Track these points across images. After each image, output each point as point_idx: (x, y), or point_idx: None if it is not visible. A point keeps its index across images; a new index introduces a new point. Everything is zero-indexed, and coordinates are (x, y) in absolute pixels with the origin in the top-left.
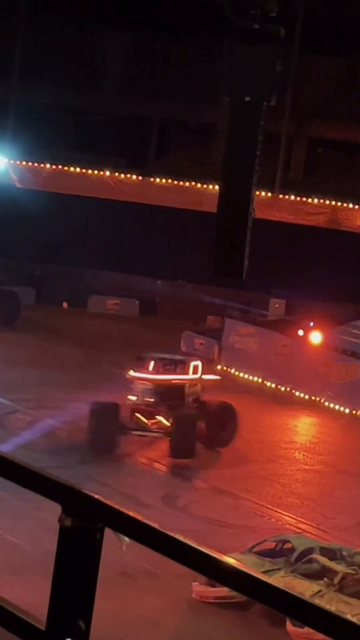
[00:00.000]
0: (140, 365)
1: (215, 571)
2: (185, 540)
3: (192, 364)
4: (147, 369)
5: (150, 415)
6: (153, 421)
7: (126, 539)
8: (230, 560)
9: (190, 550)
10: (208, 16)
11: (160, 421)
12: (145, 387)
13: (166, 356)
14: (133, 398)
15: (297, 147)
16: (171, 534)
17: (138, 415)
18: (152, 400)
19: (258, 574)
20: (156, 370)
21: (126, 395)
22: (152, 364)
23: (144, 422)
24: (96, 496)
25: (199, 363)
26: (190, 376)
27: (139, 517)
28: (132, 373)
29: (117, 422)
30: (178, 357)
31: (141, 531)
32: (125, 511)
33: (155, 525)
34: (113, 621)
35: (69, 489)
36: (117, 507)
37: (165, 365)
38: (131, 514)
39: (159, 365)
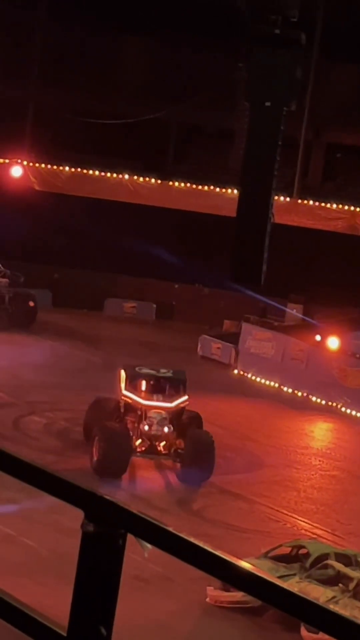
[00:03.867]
0: (131, 383)
1: (234, 576)
2: (208, 548)
3: (180, 384)
4: (139, 389)
5: (167, 444)
6: (164, 444)
7: (148, 545)
8: (247, 565)
9: (213, 557)
10: (228, 21)
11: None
12: (161, 416)
13: (157, 373)
14: (146, 428)
15: (316, 152)
16: (194, 540)
17: (157, 444)
18: (170, 429)
19: (274, 578)
20: (149, 390)
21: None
22: (143, 383)
23: (157, 449)
24: (118, 502)
25: (184, 379)
26: (184, 397)
27: (161, 524)
28: (132, 396)
29: (128, 446)
30: (162, 370)
31: (163, 537)
32: (148, 517)
33: (178, 532)
34: (126, 625)
35: (92, 495)
36: (139, 513)
37: (157, 385)
38: (153, 520)
39: (152, 385)
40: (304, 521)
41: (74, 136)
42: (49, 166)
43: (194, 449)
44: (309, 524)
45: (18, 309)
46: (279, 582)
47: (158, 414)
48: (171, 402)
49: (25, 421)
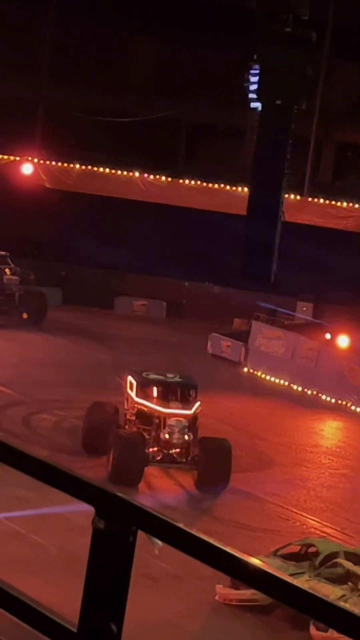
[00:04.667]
0: (142, 390)
1: (245, 573)
2: (219, 544)
3: (193, 389)
4: (151, 395)
5: (183, 451)
6: (178, 451)
7: (159, 542)
8: (257, 562)
9: (223, 554)
10: (240, 20)
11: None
12: (181, 424)
13: (167, 378)
14: (166, 436)
15: (326, 150)
16: (205, 537)
17: (172, 452)
18: (190, 437)
19: (284, 575)
20: (162, 397)
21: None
22: (155, 390)
23: (174, 457)
24: (129, 499)
25: (195, 384)
26: (198, 403)
27: (172, 521)
28: (147, 403)
29: (143, 454)
30: (169, 375)
31: (174, 534)
32: (159, 514)
33: (189, 529)
34: (135, 623)
35: (103, 492)
36: (150, 510)
37: (170, 391)
38: (164, 517)
39: (165, 392)
40: (313, 520)
41: (84, 134)
42: (59, 164)
43: (211, 456)
44: (318, 522)
45: (29, 307)
46: (289, 579)
47: (178, 421)
48: (190, 408)
49: (36, 419)
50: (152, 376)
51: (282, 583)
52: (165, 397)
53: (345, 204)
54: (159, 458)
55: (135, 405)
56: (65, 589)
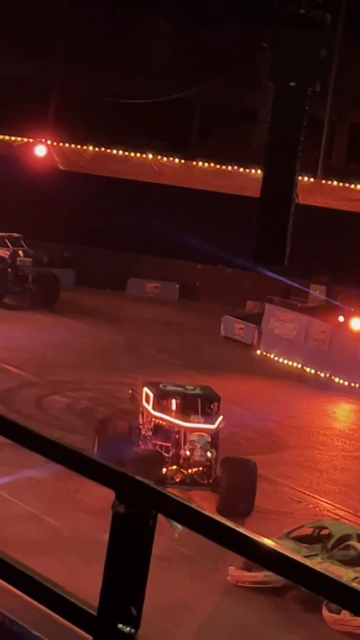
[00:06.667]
0: (160, 403)
1: (260, 555)
2: (236, 527)
3: (215, 402)
4: (170, 409)
5: (205, 470)
6: (199, 470)
7: (179, 526)
8: (272, 543)
9: (240, 537)
10: (254, 1)
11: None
12: (204, 439)
13: (186, 390)
14: (187, 453)
15: (340, 133)
16: (223, 520)
17: (193, 471)
18: (213, 455)
19: (298, 557)
20: (182, 411)
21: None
22: (173, 402)
23: (196, 478)
24: (149, 483)
25: (217, 396)
26: (221, 417)
27: (191, 504)
28: (166, 417)
29: (159, 475)
30: (189, 387)
31: (193, 518)
32: (178, 498)
33: (208, 513)
34: (148, 604)
35: (123, 476)
36: (169, 493)
37: (190, 404)
38: (183, 501)
39: (184, 405)
40: (326, 502)
41: (98, 116)
42: (72, 146)
43: (235, 479)
44: (331, 504)
45: (41, 289)
46: (303, 560)
47: (201, 437)
48: (212, 423)
49: (48, 400)
50: (170, 388)
51: (295, 564)
52: (185, 411)
53: (359, 186)
54: (178, 479)
55: (152, 420)
56: (80, 570)
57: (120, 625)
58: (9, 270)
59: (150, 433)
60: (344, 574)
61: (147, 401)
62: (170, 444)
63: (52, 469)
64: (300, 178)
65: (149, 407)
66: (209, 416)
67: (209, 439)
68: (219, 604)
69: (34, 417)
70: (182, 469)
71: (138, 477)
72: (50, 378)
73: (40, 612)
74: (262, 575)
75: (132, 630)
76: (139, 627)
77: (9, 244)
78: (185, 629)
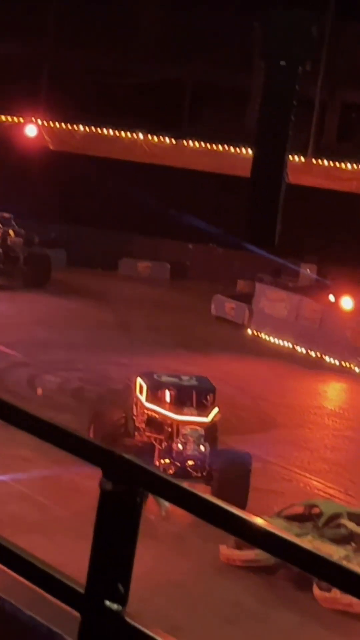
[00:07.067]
0: (153, 394)
1: (250, 533)
2: (225, 505)
3: (210, 393)
4: (164, 400)
5: (198, 464)
6: (192, 464)
7: (166, 504)
8: (262, 522)
9: (229, 515)
10: None
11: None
12: (197, 433)
13: (181, 381)
14: (179, 447)
15: (331, 112)
16: (211, 498)
17: (188, 466)
18: (207, 449)
19: (289, 535)
20: (175, 402)
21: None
22: (167, 394)
23: (189, 471)
24: (136, 460)
25: (213, 387)
26: (216, 409)
27: (178, 482)
28: (158, 409)
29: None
30: (184, 377)
31: (181, 495)
32: (165, 475)
33: (195, 490)
34: (139, 583)
35: (110, 454)
36: (157, 471)
37: (184, 395)
38: (171, 478)
39: (178, 396)
40: (317, 481)
41: (88, 95)
42: (63, 125)
43: (229, 472)
44: (322, 483)
45: (33, 269)
46: (293, 539)
47: (194, 430)
48: (206, 415)
49: (40, 380)
50: (165, 378)
51: (286, 543)
52: (179, 403)
53: (350, 165)
54: (171, 472)
55: (145, 412)
56: (71, 548)
57: (107, 602)
58: (0, 250)
59: (143, 425)
60: (335, 552)
61: (141, 392)
62: (162, 437)
63: (43, 448)
64: (291, 157)
65: (143, 399)
66: (203, 408)
67: (202, 432)
68: (211, 583)
69: (26, 397)
70: (175, 462)
71: (125, 455)
72: (41, 358)
73: (27, 589)
74: (253, 554)
75: (120, 607)
76: (126, 603)
77: (0, 224)
78: (177, 607)
